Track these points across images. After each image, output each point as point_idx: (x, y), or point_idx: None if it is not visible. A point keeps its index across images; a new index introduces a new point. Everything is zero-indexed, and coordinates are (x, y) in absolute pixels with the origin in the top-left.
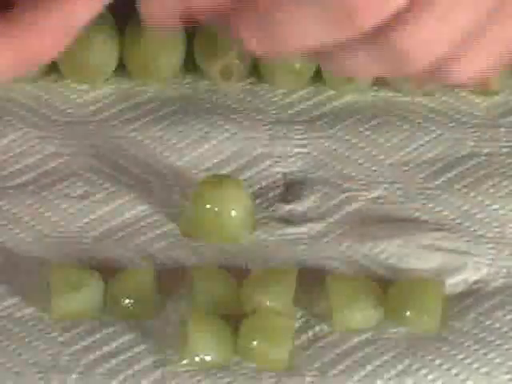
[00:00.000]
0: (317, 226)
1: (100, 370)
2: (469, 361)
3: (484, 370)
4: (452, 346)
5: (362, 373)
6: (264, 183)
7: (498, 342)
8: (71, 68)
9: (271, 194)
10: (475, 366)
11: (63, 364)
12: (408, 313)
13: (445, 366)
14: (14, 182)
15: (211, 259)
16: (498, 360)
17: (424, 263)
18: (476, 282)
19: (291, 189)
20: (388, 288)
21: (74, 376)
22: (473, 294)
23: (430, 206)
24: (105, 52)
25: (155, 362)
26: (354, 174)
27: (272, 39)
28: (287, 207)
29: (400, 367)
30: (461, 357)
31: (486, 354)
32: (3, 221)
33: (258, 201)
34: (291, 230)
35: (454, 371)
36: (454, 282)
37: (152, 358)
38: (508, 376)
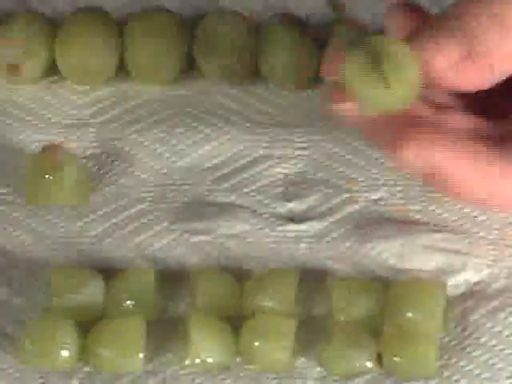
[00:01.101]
0: (318, 225)
1: (101, 376)
2: (470, 367)
3: (486, 375)
4: (453, 352)
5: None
6: (265, 182)
7: (500, 347)
8: (71, 69)
9: (272, 192)
10: (476, 372)
11: (64, 369)
12: (409, 314)
13: (446, 373)
14: None
15: (212, 259)
16: (499, 365)
17: (425, 264)
18: (477, 283)
19: (292, 188)
20: (389, 288)
21: (75, 381)
22: (474, 296)
23: (431, 208)
24: (105, 53)
25: (156, 364)
26: (354, 176)
27: None
28: (288, 205)
29: None
30: (462, 363)
31: (487, 360)
32: (3, 223)
33: (258, 198)
34: (292, 227)
35: (454, 378)
36: (455, 283)
37: (153, 361)
38: (510, 381)
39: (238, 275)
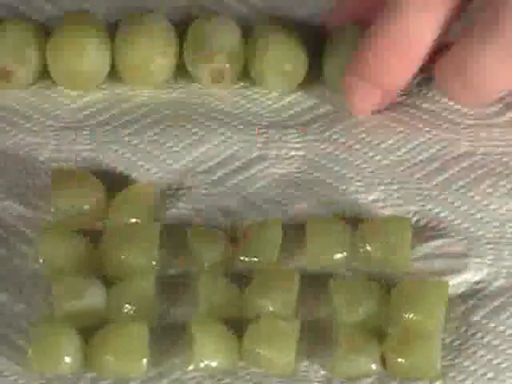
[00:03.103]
0: None
1: (104, 382)
2: (475, 367)
3: (491, 375)
4: (457, 352)
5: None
6: (261, 184)
7: (503, 347)
8: (63, 75)
9: (269, 195)
10: (481, 372)
11: (68, 375)
12: (412, 315)
13: (451, 374)
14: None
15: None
16: (504, 365)
17: (426, 268)
18: (477, 283)
19: (288, 190)
20: (391, 290)
21: None
22: (475, 296)
23: (429, 207)
24: (96, 58)
25: (160, 370)
26: (351, 175)
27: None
28: (284, 209)
29: None
30: (466, 364)
31: (491, 360)
32: (4, 233)
33: (257, 203)
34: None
35: (459, 378)
36: (456, 283)
37: (156, 366)
38: None
39: (239, 280)
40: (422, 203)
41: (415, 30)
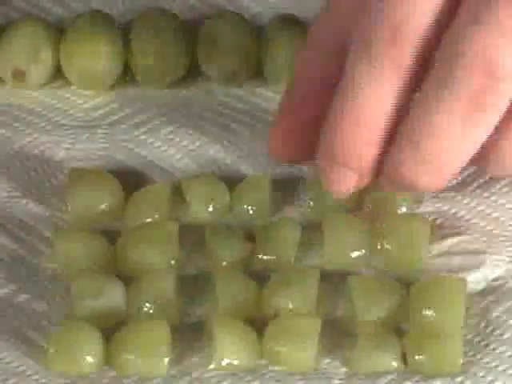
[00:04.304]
0: None
1: (127, 380)
2: (495, 363)
3: (511, 371)
4: (477, 349)
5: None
6: (282, 179)
7: None
8: (77, 75)
9: (290, 190)
10: (502, 368)
11: (90, 374)
12: (432, 312)
13: (471, 370)
14: None
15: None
16: None
17: (443, 265)
18: (496, 280)
19: (310, 186)
20: (410, 287)
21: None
22: (494, 292)
23: (445, 208)
24: (110, 58)
25: (181, 368)
26: None
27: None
28: (306, 204)
29: None
30: (487, 360)
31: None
32: (22, 233)
33: (280, 195)
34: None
35: (480, 374)
36: (474, 280)
37: (178, 364)
38: None
39: (258, 278)
40: (438, 204)
41: (371, 103)
